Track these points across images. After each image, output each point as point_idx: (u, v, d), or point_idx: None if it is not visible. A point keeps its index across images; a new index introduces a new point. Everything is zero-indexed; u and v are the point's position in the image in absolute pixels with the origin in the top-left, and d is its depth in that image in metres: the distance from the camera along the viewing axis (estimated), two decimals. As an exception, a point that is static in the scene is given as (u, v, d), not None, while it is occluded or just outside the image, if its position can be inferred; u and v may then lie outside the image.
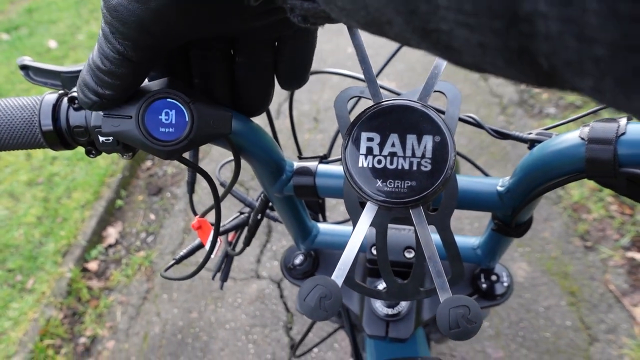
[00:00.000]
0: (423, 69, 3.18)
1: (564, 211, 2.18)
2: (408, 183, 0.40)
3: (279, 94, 3.11)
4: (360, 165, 0.41)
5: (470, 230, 2.20)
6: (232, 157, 0.53)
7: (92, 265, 2.36)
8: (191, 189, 0.75)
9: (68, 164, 2.86)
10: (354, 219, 0.46)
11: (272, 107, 2.97)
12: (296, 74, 0.46)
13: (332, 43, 3.58)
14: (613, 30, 0.13)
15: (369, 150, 0.41)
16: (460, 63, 0.20)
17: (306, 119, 2.94)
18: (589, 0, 0.13)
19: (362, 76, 0.70)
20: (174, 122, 0.41)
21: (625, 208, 2.11)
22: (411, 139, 0.41)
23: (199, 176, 0.53)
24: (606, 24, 0.13)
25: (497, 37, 0.16)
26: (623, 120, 0.43)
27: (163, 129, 0.41)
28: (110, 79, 0.37)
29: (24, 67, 0.55)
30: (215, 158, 2.77)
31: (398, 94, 0.52)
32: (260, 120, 0.53)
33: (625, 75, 0.14)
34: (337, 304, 0.38)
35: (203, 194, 2.51)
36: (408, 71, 3.18)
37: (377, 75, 0.48)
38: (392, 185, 0.40)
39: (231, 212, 0.82)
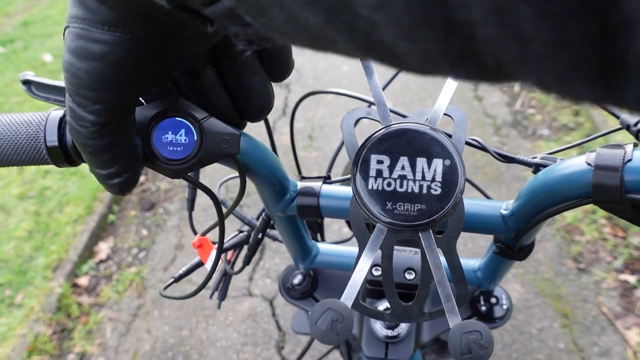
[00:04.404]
0: (418, 88, 3.20)
1: (557, 233, 2.19)
2: (418, 206, 0.40)
3: (274, 110, 3.12)
4: (370, 187, 0.41)
5: (463, 251, 2.20)
6: (231, 174, 0.53)
7: (83, 281, 2.33)
8: (191, 207, 0.75)
9: (61, 178, 2.84)
10: (360, 239, 0.46)
11: (267, 124, 2.97)
12: (279, 60, 0.45)
13: (328, 61, 3.61)
14: (546, 30, 0.13)
15: (379, 173, 0.41)
16: (409, 70, 0.20)
17: (300, 136, 2.95)
18: (521, 6, 0.13)
19: (367, 97, 0.71)
20: (182, 141, 0.41)
21: (618, 230, 2.12)
22: (421, 162, 0.41)
23: (198, 193, 0.53)
24: (539, 25, 0.13)
25: (438, 44, 0.16)
26: (629, 147, 0.43)
27: (171, 148, 0.41)
28: (99, 150, 0.37)
29: (26, 82, 0.55)
30: (209, 174, 2.76)
31: (405, 117, 0.53)
32: (259, 137, 0.53)
33: (564, 70, 0.14)
34: (349, 327, 0.38)
35: (198, 211, 2.50)
36: (403, 90, 3.20)
37: None
38: (402, 208, 0.40)
39: (229, 230, 0.82)
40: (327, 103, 3.17)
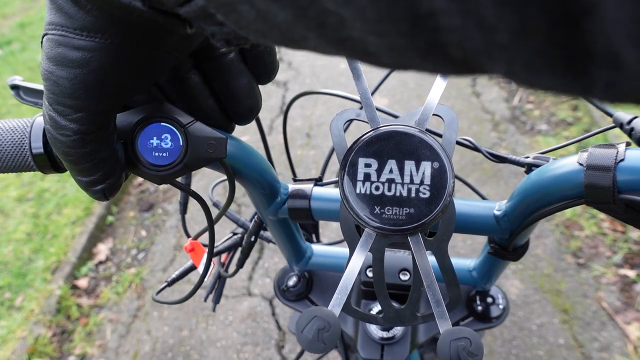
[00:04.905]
0: (415, 84, 3.19)
1: (556, 228, 2.19)
2: (406, 210, 0.40)
3: (271, 110, 3.11)
4: (357, 191, 0.41)
5: (462, 247, 2.19)
6: (224, 177, 0.52)
7: (82, 283, 2.33)
8: (184, 210, 0.74)
9: (59, 180, 2.83)
10: (350, 243, 0.45)
11: (265, 123, 2.96)
12: (264, 62, 0.45)
13: (325, 59, 3.59)
14: (509, 18, 0.13)
15: (367, 177, 0.41)
16: (381, 65, 0.20)
17: (298, 135, 2.94)
18: None
19: (358, 98, 0.70)
20: (167, 146, 0.41)
21: (617, 225, 2.12)
22: (409, 165, 0.40)
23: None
24: (502, 13, 0.13)
25: (406, 38, 0.16)
26: (622, 147, 0.43)
27: (157, 154, 0.41)
28: (81, 158, 0.36)
29: (15, 87, 0.54)
30: (208, 174, 2.75)
31: (395, 117, 0.52)
32: (253, 137, 0.52)
33: (530, 59, 0.14)
34: (335, 336, 0.37)
35: (195, 211, 2.50)
36: (400, 87, 3.19)
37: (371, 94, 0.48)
38: (390, 212, 0.40)
39: (224, 230, 0.81)
40: (325, 101, 3.16)
